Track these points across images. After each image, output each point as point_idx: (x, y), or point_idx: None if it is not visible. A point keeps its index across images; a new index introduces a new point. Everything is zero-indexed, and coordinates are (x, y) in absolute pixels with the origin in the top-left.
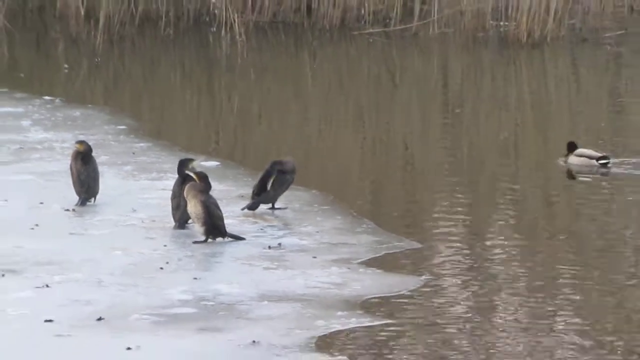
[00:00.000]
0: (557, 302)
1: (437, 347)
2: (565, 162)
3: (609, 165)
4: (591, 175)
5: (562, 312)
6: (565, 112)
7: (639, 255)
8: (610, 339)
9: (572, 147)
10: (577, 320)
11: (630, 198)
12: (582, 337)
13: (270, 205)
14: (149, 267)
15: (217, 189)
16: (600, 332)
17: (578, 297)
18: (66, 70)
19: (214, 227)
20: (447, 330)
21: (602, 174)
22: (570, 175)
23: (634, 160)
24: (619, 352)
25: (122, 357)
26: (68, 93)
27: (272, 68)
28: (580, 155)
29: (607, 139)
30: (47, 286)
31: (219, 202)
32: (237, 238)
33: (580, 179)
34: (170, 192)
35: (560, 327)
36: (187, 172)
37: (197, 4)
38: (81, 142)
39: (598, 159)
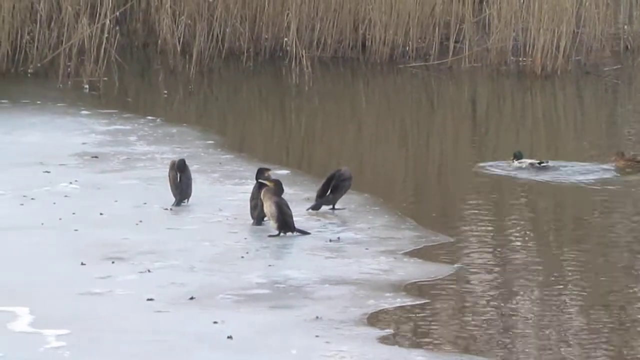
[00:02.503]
0: (580, 290)
1: (467, 323)
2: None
3: (543, 164)
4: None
5: (585, 300)
6: (570, 129)
7: None
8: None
9: (517, 156)
10: (599, 308)
11: None
12: (604, 323)
13: (331, 206)
14: (232, 256)
15: (288, 192)
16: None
17: (603, 288)
18: (165, 96)
19: (285, 224)
20: (476, 310)
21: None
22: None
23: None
24: None
25: (210, 328)
26: (167, 114)
27: (332, 94)
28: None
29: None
30: (149, 271)
31: (289, 203)
32: (303, 233)
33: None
34: (250, 195)
35: (584, 313)
36: (260, 181)
37: (272, 42)
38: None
39: (538, 163)
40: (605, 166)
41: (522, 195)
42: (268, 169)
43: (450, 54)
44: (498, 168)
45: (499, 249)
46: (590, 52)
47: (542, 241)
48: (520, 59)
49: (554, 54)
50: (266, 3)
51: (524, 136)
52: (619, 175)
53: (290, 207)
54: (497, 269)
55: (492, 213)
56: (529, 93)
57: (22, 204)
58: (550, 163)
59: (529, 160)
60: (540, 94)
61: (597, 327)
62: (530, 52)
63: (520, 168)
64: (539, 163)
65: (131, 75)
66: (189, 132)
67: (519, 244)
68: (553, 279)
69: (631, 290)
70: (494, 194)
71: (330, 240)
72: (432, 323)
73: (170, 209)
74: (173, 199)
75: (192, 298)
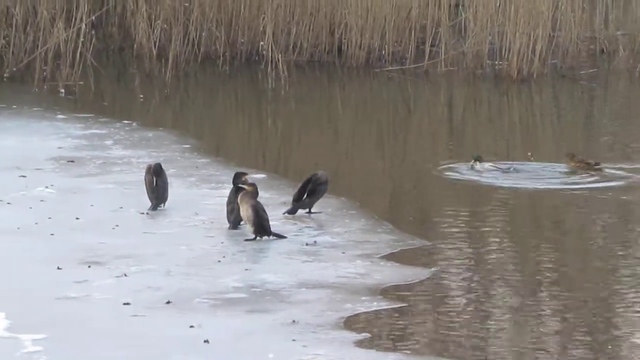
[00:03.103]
0: (557, 292)
1: (444, 327)
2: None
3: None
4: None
5: (561, 300)
6: (547, 131)
7: None
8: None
9: (476, 158)
10: (576, 310)
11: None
12: (581, 325)
13: (307, 210)
14: (209, 260)
15: (264, 196)
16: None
17: (581, 290)
18: (141, 100)
19: (262, 227)
20: (452, 313)
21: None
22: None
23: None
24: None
25: (186, 333)
26: (143, 118)
27: (309, 98)
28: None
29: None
30: (126, 275)
31: (265, 207)
32: (280, 237)
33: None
34: (226, 199)
35: (562, 316)
36: (239, 185)
37: (248, 46)
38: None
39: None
40: (562, 167)
41: (498, 198)
42: (245, 173)
43: (427, 57)
44: (462, 172)
45: (476, 252)
46: (566, 56)
47: (518, 243)
48: (497, 62)
49: (530, 57)
50: (242, 7)
51: (500, 138)
52: (571, 176)
53: (267, 211)
54: (474, 272)
55: (469, 216)
56: (505, 97)
57: None
58: (514, 165)
59: (488, 164)
60: (516, 97)
61: (575, 330)
62: (506, 56)
63: (482, 170)
64: (498, 169)
65: (107, 80)
66: (166, 136)
67: (495, 246)
68: (530, 281)
69: (608, 292)
70: (471, 197)
71: (307, 244)
72: (409, 327)
73: (147, 213)
74: (149, 203)
75: (168, 302)
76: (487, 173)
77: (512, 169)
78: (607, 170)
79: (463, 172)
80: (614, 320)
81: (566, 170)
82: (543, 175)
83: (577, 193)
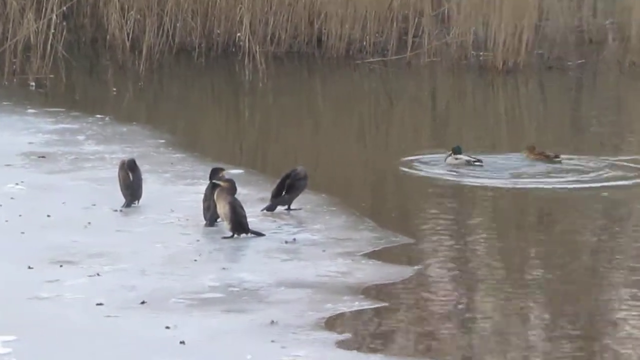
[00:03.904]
0: (542, 291)
1: (427, 326)
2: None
3: (477, 163)
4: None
5: (548, 302)
6: (533, 123)
7: None
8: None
9: (456, 151)
10: (562, 309)
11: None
12: (566, 324)
13: (286, 206)
14: (184, 258)
15: (242, 192)
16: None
17: (559, 287)
18: (115, 93)
19: (239, 225)
20: (435, 312)
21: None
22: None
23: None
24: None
25: (162, 334)
26: (116, 112)
27: (287, 91)
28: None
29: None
30: (99, 275)
31: (242, 203)
32: (258, 234)
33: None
34: (203, 195)
35: (547, 315)
36: (214, 181)
37: (225, 37)
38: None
39: (474, 161)
40: (524, 159)
41: (482, 194)
42: (222, 169)
43: (409, 48)
44: (430, 166)
45: (460, 249)
46: (553, 46)
47: (503, 240)
48: (481, 53)
49: (516, 47)
50: None
51: (485, 132)
52: (532, 167)
53: (244, 208)
54: (458, 270)
55: (453, 213)
56: (491, 88)
57: None
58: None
59: (466, 157)
60: (502, 88)
61: (560, 329)
62: (491, 46)
63: (455, 164)
64: (475, 161)
65: (79, 72)
66: (139, 130)
67: (481, 243)
68: (515, 279)
69: (594, 290)
70: (456, 194)
71: (286, 242)
72: (392, 327)
73: (120, 211)
74: (123, 200)
75: (143, 302)
76: (462, 167)
77: (476, 162)
78: (565, 161)
79: (436, 166)
80: (601, 317)
81: (525, 162)
82: (515, 168)
83: (550, 187)
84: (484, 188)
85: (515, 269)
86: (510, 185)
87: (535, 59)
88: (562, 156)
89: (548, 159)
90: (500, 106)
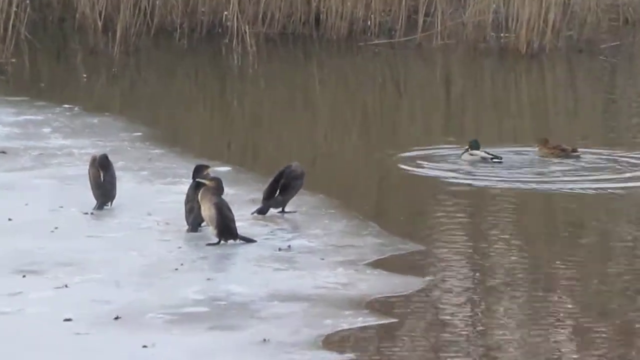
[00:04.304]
0: (558, 302)
1: (440, 345)
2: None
3: (495, 160)
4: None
5: (562, 312)
6: (560, 114)
7: None
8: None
9: (472, 146)
10: (578, 321)
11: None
12: (582, 337)
13: (280, 209)
14: (164, 268)
15: (229, 193)
16: (602, 330)
17: (579, 299)
18: (85, 80)
19: (227, 229)
20: (449, 329)
21: None
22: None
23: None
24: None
25: (138, 354)
26: (86, 102)
27: (281, 77)
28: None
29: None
30: (67, 286)
31: (230, 205)
32: (248, 240)
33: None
34: (185, 196)
35: (560, 326)
36: (198, 180)
37: (210, 17)
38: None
39: (491, 158)
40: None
41: (500, 195)
42: (207, 166)
43: (420, 29)
44: (443, 162)
45: (477, 259)
46: (584, 27)
47: (524, 249)
48: (502, 34)
49: (542, 28)
50: None
51: (506, 125)
52: (558, 164)
53: (233, 211)
54: (474, 281)
55: (468, 216)
56: (512, 74)
57: None
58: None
59: (482, 153)
60: (525, 75)
61: (582, 347)
62: (513, 27)
63: (471, 161)
64: (492, 158)
65: (45, 56)
66: (113, 122)
67: (500, 252)
68: (535, 293)
69: (617, 302)
70: (471, 196)
71: (280, 249)
72: (399, 346)
73: (91, 213)
74: (94, 202)
75: (117, 318)
76: (479, 164)
77: (494, 159)
78: (592, 158)
79: (450, 162)
80: (623, 328)
81: (537, 158)
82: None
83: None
84: (503, 188)
85: (538, 282)
86: (533, 185)
87: (563, 42)
88: (583, 149)
89: (565, 153)
90: (523, 95)
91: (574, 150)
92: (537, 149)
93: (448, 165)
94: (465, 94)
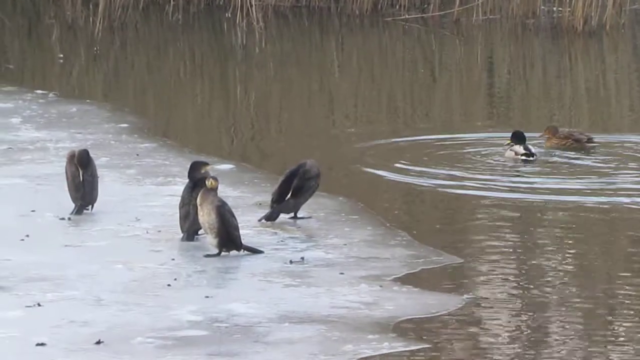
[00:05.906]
0: (615, 323)
1: None
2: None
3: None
4: None
5: (623, 335)
6: (624, 101)
7: None
8: None
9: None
10: (631, 348)
11: None
12: None
13: (291, 214)
14: (155, 283)
15: (232, 195)
16: None
17: (633, 322)
18: (61, 61)
19: (229, 239)
20: (490, 356)
21: None
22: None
23: None
24: None
25: None
26: (63, 87)
27: (293, 59)
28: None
29: None
30: (39, 305)
31: (233, 210)
32: (254, 251)
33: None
34: (179, 199)
35: (620, 351)
36: (197, 179)
37: None
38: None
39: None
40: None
41: (544, 201)
42: (206, 163)
43: (457, 2)
44: (484, 156)
45: (520, 274)
46: None
47: (574, 260)
48: (555, 8)
49: (602, 1)
50: None
51: (560, 114)
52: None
53: (236, 216)
54: (520, 300)
55: (511, 225)
56: (567, 55)
57: None
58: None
59: (521, 150)
60: (581, 56)
61: None
62: (568, 0)
63: (514, 159)
64: (522, 154)
65: (14, 34)
66: (95, 111)
67: (545, 268)
68: (589, 314)
69: None
70: (515, 201)
71: (291, 262)
72: None
73: (69, 219)
74: (72, 205)
75: (99, 342)
76: (520, 161)
77: (522, 155)
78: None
79: (492, 156)
80: None
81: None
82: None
83: None
84: (552, 190)
85: (592, 301)
86: (581, 186)
87: (627, 17)
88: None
89: (579, 144)
90: (580, 79)
91: (590, 140)
92: (545, 138)
93: (491, 159)
94: (510, 79)
